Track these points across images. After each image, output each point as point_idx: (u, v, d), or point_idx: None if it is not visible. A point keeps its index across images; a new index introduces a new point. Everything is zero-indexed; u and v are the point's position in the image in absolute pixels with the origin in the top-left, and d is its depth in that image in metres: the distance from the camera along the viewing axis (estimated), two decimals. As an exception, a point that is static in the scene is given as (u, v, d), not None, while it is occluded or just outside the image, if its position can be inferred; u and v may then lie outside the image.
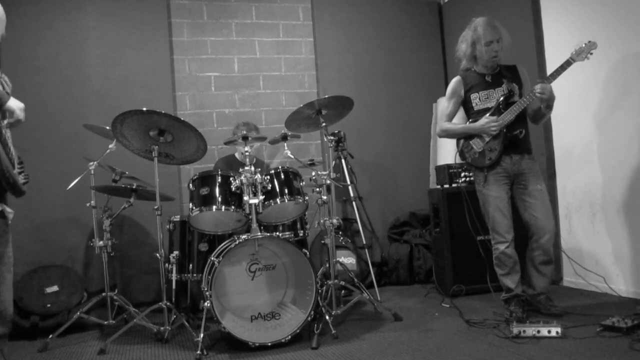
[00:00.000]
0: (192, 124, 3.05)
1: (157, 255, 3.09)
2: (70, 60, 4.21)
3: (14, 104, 2.17)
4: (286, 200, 3.16)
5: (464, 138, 3.24)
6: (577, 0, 3.71)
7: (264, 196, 3.09)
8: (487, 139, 3.12)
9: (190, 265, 3.44)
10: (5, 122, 2.19)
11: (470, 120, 3.22)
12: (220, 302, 2.93)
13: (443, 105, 3.36)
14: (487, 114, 3.12)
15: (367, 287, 3.95)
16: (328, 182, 3.22)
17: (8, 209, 2.27)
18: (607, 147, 3.55)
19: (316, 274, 2.98)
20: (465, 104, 3.26)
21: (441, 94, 4.92)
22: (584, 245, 3.77)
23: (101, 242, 3.32)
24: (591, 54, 2.91)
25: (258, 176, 3.07)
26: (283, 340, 2.83)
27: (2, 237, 2.31)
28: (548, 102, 2.97)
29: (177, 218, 3.56)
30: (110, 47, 4.33)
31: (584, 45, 2.90)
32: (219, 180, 3.14)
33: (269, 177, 3.18)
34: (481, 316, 3.14)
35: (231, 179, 3.14)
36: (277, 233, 3.32)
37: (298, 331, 2.87)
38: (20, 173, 2.30)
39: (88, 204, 3.33)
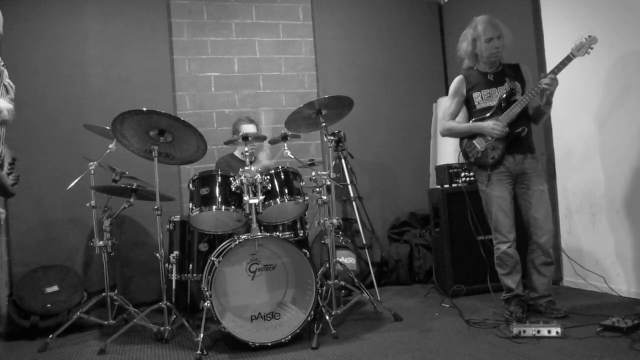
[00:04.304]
0: (192, 124, 3.05)
1: (157, 255, 3.08)
2: (70, 60, 4.21)
3: (2, 104, 2.17)
4: (286, 200, 3.16)
5: (467, 137, 3.23)
6: (577, -1, 3.72)
7: (264, 196, 3.09)
8: (489, 138, 3.12)
9: (190, 265, 3.44)
10: None
11: (473, 118, 3.22)
12: (220, 302, 2.93)
13: (446, 104, 3.35)
14: (489, 113, 3.12)
15: (367, 287, 3.95)
16: (328, 182, 3.22)
17: (1, 209, 2.26)
18: (608, 147, 3.55)
19: (316, 274, 2.98)
20: (468, 102, 3.26)
21: (441, 93, 4.93)
22: (584, 245, 3.77)
23: (101, 242, 3.31)
24: (591, 48, 2.90)
25: (258, 176, 3.07)
26: (283, 340, 2.83)
27: None
28: (549, 97, 2.97)
29: (177, 218, 3.57)
30: (110, 47, 4.33)
31: (584, 40, 2.90)
32: (219, 180, 3.14)
33: (269, 177, 3.18)
34: (481, 316, 3.14)
35: (231, 178, 3.14)
36: (277, 233, 3.32)
37: (298, 331, 2.87)
38: (9, 174, 2.29)
39: (88, 204, 3.33)
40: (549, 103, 3.01)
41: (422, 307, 3.57)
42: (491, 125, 3.08)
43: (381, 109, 5.02)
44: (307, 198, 3.26)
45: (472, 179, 3.82)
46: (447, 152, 4.44)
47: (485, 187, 3.18)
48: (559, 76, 2.93)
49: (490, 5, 4.33)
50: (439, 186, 3.97)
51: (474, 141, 3.19)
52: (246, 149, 3.15)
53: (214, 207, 3.07)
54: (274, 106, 4.74)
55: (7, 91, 2.27)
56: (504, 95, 3.10)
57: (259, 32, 4.74)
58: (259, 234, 2.95)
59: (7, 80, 2.28)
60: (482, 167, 3.19)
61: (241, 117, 4.17)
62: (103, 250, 3.33)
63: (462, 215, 3.65)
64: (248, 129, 3.92)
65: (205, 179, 3.16)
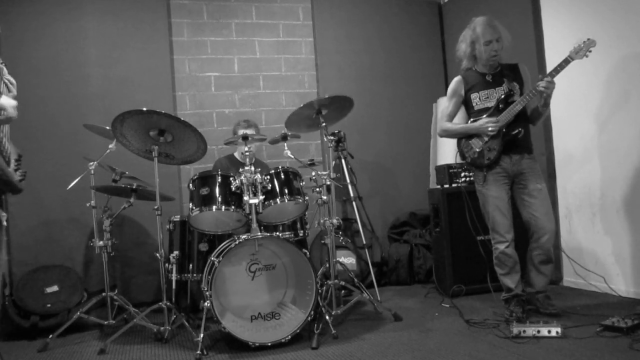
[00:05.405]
0: (192, 124, 3.05)
1: (157, 255, 3.09)
2: (70, 60, 4.21)
3: (6, 101, 2.17)
4: (286, 200, 3.16)
5: (464, 138, 3.24)
6: (577, -1, 3.72)
7: (264, 196, 3.09)
8: (486, 139, 3.12)
9: (190, 265, 3.44)
10: None
11: (471, 119, 3.22)
12: (220, 302, 2.93)
13: (444, 104, 3.36)
14: (486, 114, 3.12)
15: (367, 287, 3.94)
16: (328, 182, 3.22)
17: (3, 213, 2.25)
18: (608, 147, 3.55)
19: (316, 274, 2.98)
20: (466, 103, 3.26)
21: (441, 94, 4.93)
22: (584, 245, 3.77)
23: (101, 242, 3.32)
24: (590, 51, 2.91)
25: (258, 176, 3.07)
26: (283, 340, 2.83)
27: None
28: (547, 99, 2.98)
29: (177, 218, 3.56)
30: (110, 47, 4.33)
31: (582, 43, 2.90)
32: (219, 180, 3.14)
33: (269, 177, 3.19)
34: (481, 316, 3.14)
35: (231, 179, 3.14)
36: (277, 233, 3.31)
37: (298, 331, 2.87)
38: (16, 170, 2.29)
39: (88, 204, 3.33)
40: (546, 104, 3.02)
41: (422, 307, 3.57)
42: (484, 124, 3.08)
43: (381, 109, 5.02)
44: (307, 198, 3.26)
45: (471, 179, 3.82)
46: (447, 152, 4.44)
47: (481, 187, 3.18)
48: (558, 77, 2.93)
49: (490, 5, 4.33)
50: (439, 186, 3.97)
51: (471, 142, 3.19)
52: (245, 149, 3.15)
53: (214, 207, 3.07)
54: (274, 106, 4.74)
55: (9, 89, 2.27)
56: (502, 97, 3.10)
57: (259, 32, 4.74)
58: (259, 234, 2.95)
59: (7, 77, 2.28)
60: (478, 168, 3.19)
61: (240, 121, 4.10)
62: (103, 250, 3.33)
63: (462, 215, 3.65)
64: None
65: (205, 179, 3.16)
